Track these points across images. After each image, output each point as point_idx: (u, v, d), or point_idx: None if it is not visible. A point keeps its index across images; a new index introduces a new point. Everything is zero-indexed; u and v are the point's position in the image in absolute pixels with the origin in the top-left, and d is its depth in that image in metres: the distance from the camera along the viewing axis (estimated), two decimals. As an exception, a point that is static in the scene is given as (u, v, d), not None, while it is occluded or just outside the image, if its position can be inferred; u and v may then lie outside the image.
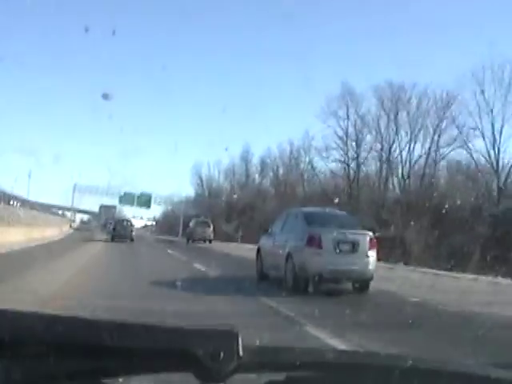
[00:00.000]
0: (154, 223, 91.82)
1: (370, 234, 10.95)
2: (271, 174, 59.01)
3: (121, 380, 1.03)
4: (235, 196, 56.64)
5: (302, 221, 11.22)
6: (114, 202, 66.16)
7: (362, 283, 10.74)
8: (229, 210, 54.97)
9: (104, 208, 72.79)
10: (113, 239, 32.95)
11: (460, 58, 59.47)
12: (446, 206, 28.63)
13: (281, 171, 57.03)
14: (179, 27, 77.04)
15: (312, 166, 50.02)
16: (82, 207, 77.35)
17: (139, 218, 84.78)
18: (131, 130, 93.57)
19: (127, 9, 76.66)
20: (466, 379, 1.10)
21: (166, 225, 74.45)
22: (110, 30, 59.26)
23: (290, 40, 65.63)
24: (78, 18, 59.26)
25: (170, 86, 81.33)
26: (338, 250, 10.36)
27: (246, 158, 60.87)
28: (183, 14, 77.15)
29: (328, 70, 64.68)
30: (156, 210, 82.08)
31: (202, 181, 68.70)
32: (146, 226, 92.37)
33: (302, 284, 10.34)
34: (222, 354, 0.90)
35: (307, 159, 50.79)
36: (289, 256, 10.72)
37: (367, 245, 10.60)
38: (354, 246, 10.49)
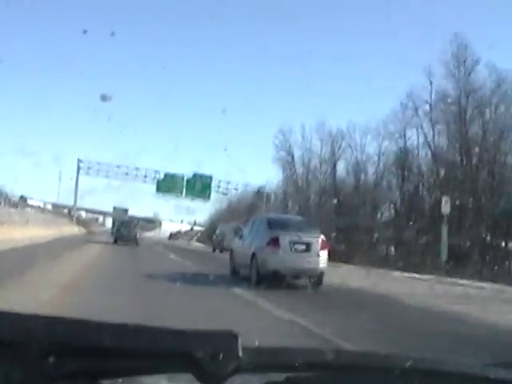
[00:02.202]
0: (197, 228, 62.77)
1: (322, 236, 11.10)
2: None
3: (120, 381, 0.90)
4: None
5: (264, 225, 11.43)
6: (152, 189, 42.90)
7: (315, 279, 10.79)
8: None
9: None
10: (115, 241, 27.62)
11: None
12: None
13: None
14: (178, 28, 72.36)
15: None
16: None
17: (179, 221, 63.13)
18: (131, 130, 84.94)
19: (126, 10, 71.79)
20: (465, 379, 0.99)
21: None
22: (108, 31, 56.35)
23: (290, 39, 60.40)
24: (76, 19, 55.07)
25: (169, 86, 75.20)
26: (293, 250, 10.51)
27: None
28: (182, 14, 72.23)
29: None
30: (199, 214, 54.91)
31: (293, 158, 39.85)
32: (192, 229, 65.36)
33: (263, 279, 10.41)
34: (221, 355, 0.78)
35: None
36: (253, 255, 10.92)
37: (319, 246, 10.76)
38: (308, 247, 10.64)
